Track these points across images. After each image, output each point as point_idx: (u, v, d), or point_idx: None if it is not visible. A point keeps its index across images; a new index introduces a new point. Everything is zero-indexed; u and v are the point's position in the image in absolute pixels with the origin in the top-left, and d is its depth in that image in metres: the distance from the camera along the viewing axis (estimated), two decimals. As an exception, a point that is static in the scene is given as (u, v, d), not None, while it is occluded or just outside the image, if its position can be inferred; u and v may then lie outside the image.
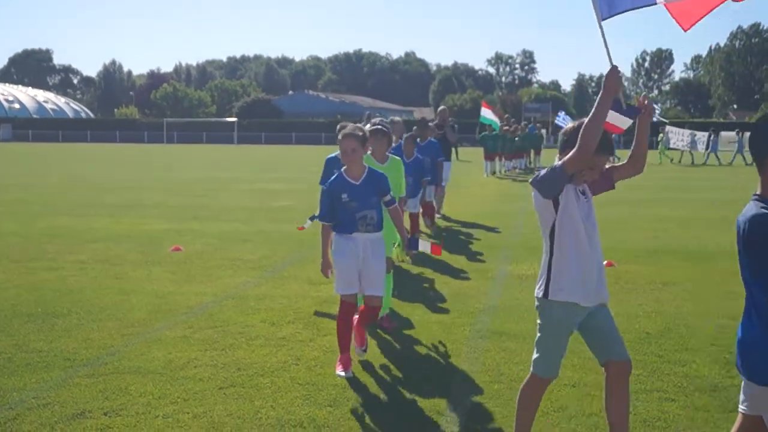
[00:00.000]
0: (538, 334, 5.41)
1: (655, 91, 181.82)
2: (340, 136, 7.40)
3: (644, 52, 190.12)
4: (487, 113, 37.62)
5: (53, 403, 6.51)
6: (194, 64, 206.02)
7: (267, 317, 9.46)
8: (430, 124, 18.14)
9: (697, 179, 36.32)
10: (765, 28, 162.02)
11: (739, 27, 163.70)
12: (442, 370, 7.57)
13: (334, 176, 7.53)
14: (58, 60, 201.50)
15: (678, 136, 54.15)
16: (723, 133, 51.64)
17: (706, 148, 53.59)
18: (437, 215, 18.55)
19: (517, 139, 40.94)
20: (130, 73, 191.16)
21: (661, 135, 54.85)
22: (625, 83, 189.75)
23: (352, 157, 7.31)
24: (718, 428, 6.13)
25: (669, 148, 53.95)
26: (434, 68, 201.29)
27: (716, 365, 7.67)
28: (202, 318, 9.40)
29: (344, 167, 7.48)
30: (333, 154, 9.75)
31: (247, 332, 8.79)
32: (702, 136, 53.89)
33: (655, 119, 51.35)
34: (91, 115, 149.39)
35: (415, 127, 16.02)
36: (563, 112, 57.54)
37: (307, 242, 15.40)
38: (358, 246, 7.35)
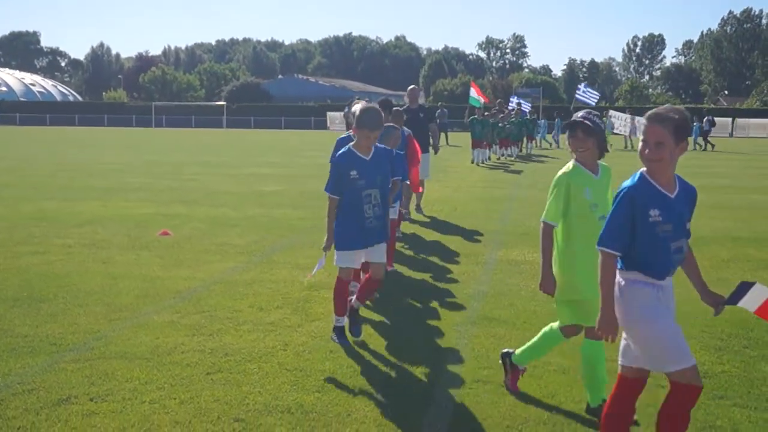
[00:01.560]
0: None
1: (647, 77, 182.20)
2: (647, 119, 4.90)
3: (635, 37, 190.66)
4: (474, 94, 36.16)
5: (38, 389, 6.44)
6: (183, 47, 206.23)
7: (255, 302, 9.41)
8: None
9: (688, 166, 36.33)
10: (756, 13, 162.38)
11: (731, 12, 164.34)
12: (431, 355, 7.52)
13: (632, 179, 4.89)
14: (45, 42, 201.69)
15: (621, 122, 54.96)
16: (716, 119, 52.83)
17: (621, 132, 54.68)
18: (404, 214, 15.14)
19: (508, 125, 38.91)
20: (118, 56, 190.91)
21: (604, 119, 55.65)
22: (616, 69, 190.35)
23: (658, 154, 4.76)
24: (709, 414, 6.10)
25: (613, 133, 54.49)
26: (424, 52, 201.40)
27: (706, 352, 7.65)
28: (190, 303, 9.34)
29: (644, 170, 4.88)
30: (344, 135, 9.35)
31: (235, 317, 8.73)
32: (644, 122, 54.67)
33: (593, 102, 51.31)
34: (79, 98, 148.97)
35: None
36: (515, 97, 57.15)
37: (297, 227, 15.35)
38: (670, 300, 5.00)
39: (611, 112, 57.45)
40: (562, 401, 6.34)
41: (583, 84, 56.61)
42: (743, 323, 8.66)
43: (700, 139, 53.27)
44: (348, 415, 6.02)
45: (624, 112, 58.60)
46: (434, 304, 9.50)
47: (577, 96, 51.84)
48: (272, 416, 5.97)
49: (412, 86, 17.23)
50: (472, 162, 35.42)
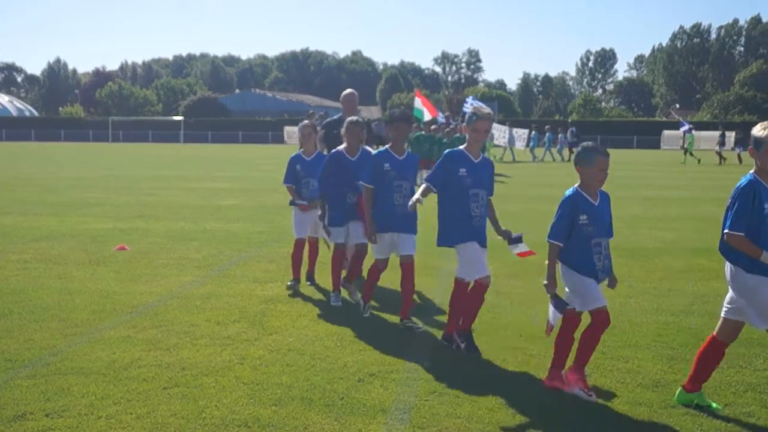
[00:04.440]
0: None
1: (599, 91, 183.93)
2: None
3: (588, 51, 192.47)
4: (419, 105, 31.26)
5: (-7, 405, 6.41)
6: (140, 62, 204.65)
7: (212, 316, 9.40)
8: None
9: (638, 177, 36.69)
10: (705, 27, 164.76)
11: (681, 27, 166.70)
12: (387, 368, 7.55)
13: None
14: (1, 58, 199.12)
15: (500, 133, 56.02)
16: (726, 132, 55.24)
17: (526, 145, 57.02)
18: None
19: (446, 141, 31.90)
20: (75, 71, 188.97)
21: None
22: (570, 83, 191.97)
23: None
24: (661, 423, 6.20)
25: (494, 145, 55.38)
26: (381, 67, 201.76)
27: (659, 361, 7.77)
28: (147, 317, 9.31)
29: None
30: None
31: (192, 332, 8.72)
32: (523, 133, 56.53)
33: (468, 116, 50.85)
34: (36, 113, 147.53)
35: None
36: (470, 98, 55.88)
37: (254, 241, 15.35)
38: None
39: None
40: (518, 410, 6.41)
41: (470, 97, 56.34)
42: (695, 333, 8.80)
43: (565, 151, 55.79)
44: (305, 429, 6.05)
45: (504, 124, 59.71)
46: (391, 317, 9.54)
47: (464, 109, 51.28)
48: (229, 430, 5.99)
49: (348, 90, 12.60)
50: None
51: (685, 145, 55.00)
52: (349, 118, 10.12)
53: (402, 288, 9.11)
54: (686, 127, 55.68)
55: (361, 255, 10.20)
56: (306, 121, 11.47)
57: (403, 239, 9.13)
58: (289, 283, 11.02)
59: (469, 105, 45.95)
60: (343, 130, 10.04)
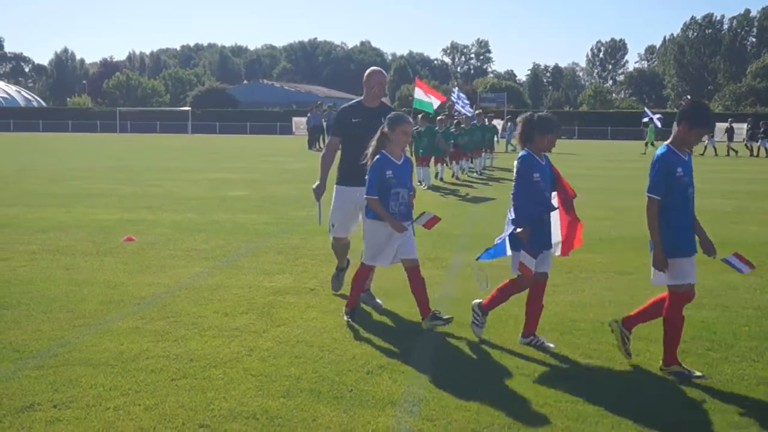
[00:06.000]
0: None
1: (610, 81, 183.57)
2: None
3: (599, 42, 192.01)
4: (421, 95, 26.26)
5: (1, 396, 6.37)
6: (148, 52, 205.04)
7: (220, 308, 9.37)
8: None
9: (648, 169, 36.55)
10: (717, 18, 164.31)
11: (693, 17, 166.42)
12: (395, 359, 7.52)
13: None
14: (8, 48, 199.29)
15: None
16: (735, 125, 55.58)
17: (501, 136, 56.90)
18: None
19: (456, 132, 30.22)
20: (82, 61, 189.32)
21: (509, 124, 57.77)
22: (580, 74, 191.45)
23: None
24: (675, 417, 6.15)
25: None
26: (389, 57, 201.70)
27: (669, 354, 7.71)
28: (155, 309, 9.29)
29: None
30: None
31: (200, 323, 8.69)
32: (497, 124, 57.17)
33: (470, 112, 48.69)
34: (43, 103, 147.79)
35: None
36: (456, 90, 52.69)
37: (262, 232, 15.32)
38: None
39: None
40: (528, 403, 6.37)
41: (456, 88, 52.01)
42: (706, 326, 8.75)
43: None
44: (313, 421, 6.02)
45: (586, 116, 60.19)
46: (400, 308, 9.49)
47: (452, 98, 45.66)
48: (237, 422, 5.96)
49: (375, 68, 10.42)
50: (420, 183, 25.75)
51: (646, 137, 55.28)
52: (543, 113, 8.31)
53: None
54: (648, 118, 55.77)
55: (543, 287, 8.20)
56: (409, 117, 8.91)
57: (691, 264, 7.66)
58: (346, 319, 8.92)
59: (456, 97, 43.84)
60: (527, 127, 8.00)
